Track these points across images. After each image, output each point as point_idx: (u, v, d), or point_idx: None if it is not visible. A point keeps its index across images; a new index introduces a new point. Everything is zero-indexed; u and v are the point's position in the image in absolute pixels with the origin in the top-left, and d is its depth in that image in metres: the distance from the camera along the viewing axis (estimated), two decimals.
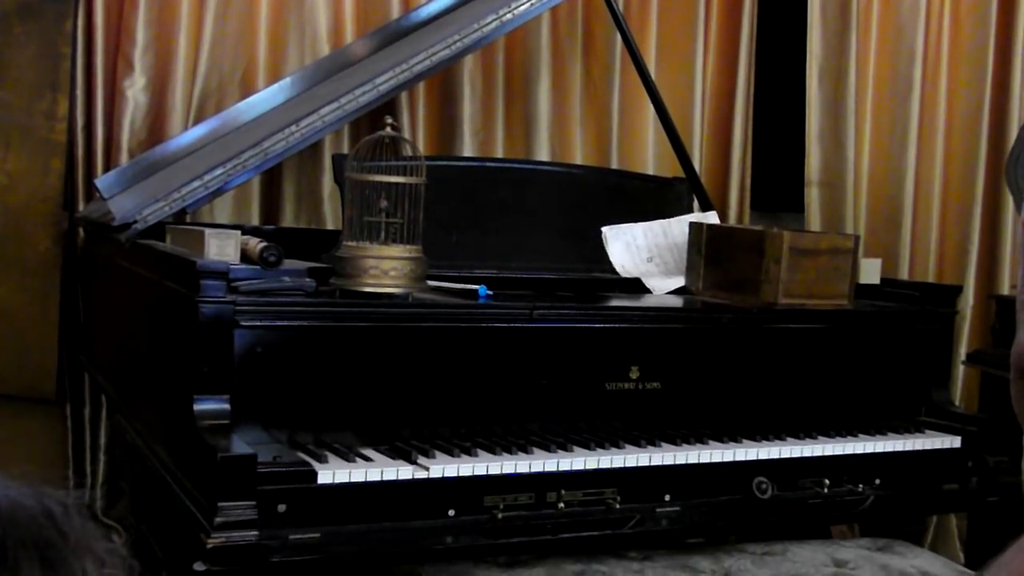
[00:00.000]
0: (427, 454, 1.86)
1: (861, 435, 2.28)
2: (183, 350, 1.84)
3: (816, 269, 2.29)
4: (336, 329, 1.90)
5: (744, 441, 2.15)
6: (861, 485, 2.18)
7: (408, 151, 2.08)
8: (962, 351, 3.19)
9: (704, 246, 2.41)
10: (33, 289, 2.81)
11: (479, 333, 2.01)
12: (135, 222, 2.09)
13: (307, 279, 1.93)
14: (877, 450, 2.23)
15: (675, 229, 2.60)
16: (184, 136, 2.56)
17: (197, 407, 1.77)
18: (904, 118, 3.29)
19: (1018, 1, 3.29)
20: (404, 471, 1.80)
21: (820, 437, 2.23)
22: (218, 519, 1.63)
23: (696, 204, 2.84)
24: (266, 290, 1.87)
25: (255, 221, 2.91)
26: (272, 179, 2.95)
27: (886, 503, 2.23)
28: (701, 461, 2.05)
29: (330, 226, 2.91)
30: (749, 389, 2.27)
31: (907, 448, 2.27)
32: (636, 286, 2.48)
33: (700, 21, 3.25)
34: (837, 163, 3.27)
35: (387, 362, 1.94)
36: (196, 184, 2.14)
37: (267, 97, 2.58)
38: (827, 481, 2.14)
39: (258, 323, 1.83)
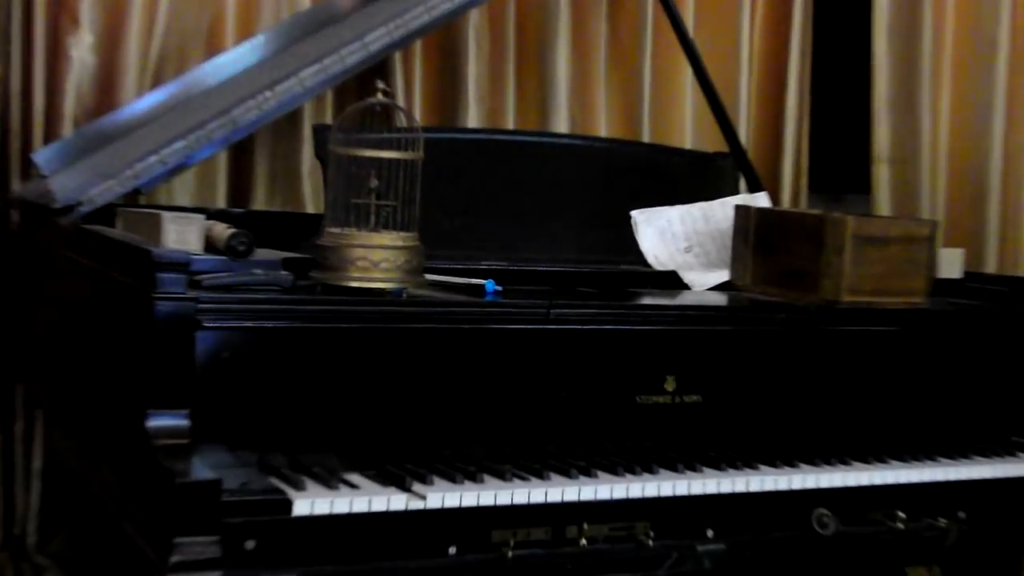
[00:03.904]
0: (424, 480, 1.84)
1: (942, 459, 2.25)
2: (135, 355, 1.82)
3: (886, 261, 2.29)
4: (317, 331, 1.88)
5: (801, 466, 2.12)
6: (943, 519, 2.16)
7: (402, 121, 2.07)
8: None
9: (752, 233, 2.40)
10: None
11: (486, 336, 1.99)
12: (79, 204, 2.10)
13: (283, 272, 1.91)
14: (962, 477, 2.21)
15: (718, 213, 2.59)
16: (139, 103, 2.55)
17: (151, 423, 1.75)
18: (989, 82, 3.25)
19: None
20: (396, 500, 1.78)
21: (892, 461, 2.20)
22: (175, 557, 1.61)
23: (743, 184, 2.83)
24: (234, 285, 1.86)
25: (221, 203, 2.91)
26: (242, 154, 2.95)
27: (973, 540, 2.21)
28: (750, 490, 2.03)
29: (310, 209, 2.92)
30: (807, 403, 2.24)
31: (997, 475, 2.25)
32: (671, 280, 2.47)
33: None
34: (910, 135, 3.25)
35: (377, 370, 1.92)
36: (152, 160, 2.16)
37: (237, 57, 2.57)
38: (902, 514, 2.12)
39: (224, 324, 1.82)
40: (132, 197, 2.41)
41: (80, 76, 2.82)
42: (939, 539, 2.17)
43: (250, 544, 1.67)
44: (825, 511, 2.06)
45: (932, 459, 2.24)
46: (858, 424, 2.29)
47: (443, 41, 3.05)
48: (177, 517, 1.63)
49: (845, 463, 2.17)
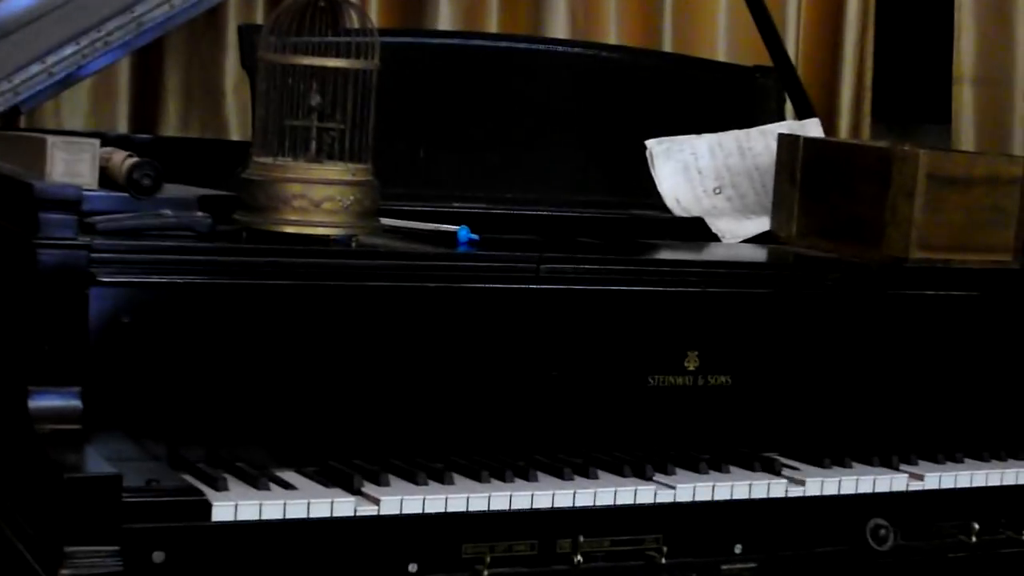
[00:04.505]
0: (377, 480, 1.85)
1: None
2: (13, 318, 1.83)
3: (967, 208, 2.29)
4: (241, 289, 1.89)
5: (855, 465, 2.14)
6: None
7: (354, 21, 2.06)
8: None
9: (800, 171, 2.41)
10: None
11: (458, 297, 2.00)
12: None
13: (198, 213, 1.91)
14: None
15: (757, 145, 2.60)
16: None
17: (33, 403, 1.75)
18: None
19: None
20: (343, 505, 1.79)
21: (968, 460, 2.23)
22: (65, 571, 1.62)
23: (789, 107, 2.83)
24: (137, 229, 1.86)
25: (122, 127, 2.91)
26: (148, 64, 2.94)
27: None
28: (790, 495, 2.04)
29: (235, 135, 2.92)
30: (863, 387, 2.27)
31: None
32: (696, 230, 2.48)
33: None
34: (1000, 51, 3.27)
35: (319, 340, 1.93)
36: (35, 69, 2.14)
37: None
38: (977, 525, 2.14)
39: (125, 278, 1.82)
40: (10, 118, 2.39)
41: None
42: (1020, 556, 2.19)
43: (158, 556, 1.68)
44: (883, 521, 2.08)
45: (1017, 457, 2.27)
46: (927, 412, 2.31)
47: None
48: (67, 521, 1.63)
49: (909, 462, 2.19)
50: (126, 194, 1.93)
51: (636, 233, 2.46)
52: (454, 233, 2.12)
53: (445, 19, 3.03)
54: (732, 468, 2.07)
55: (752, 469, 2.07)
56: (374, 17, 2.90)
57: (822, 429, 2.23)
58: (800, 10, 3.29)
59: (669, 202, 2.54)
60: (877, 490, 2.11)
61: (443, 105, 2.48)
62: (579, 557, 1.89)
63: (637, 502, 1.94)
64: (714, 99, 2.71)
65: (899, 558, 2.10)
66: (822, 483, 2.07)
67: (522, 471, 1.94)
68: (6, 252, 1.87)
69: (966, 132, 3.28)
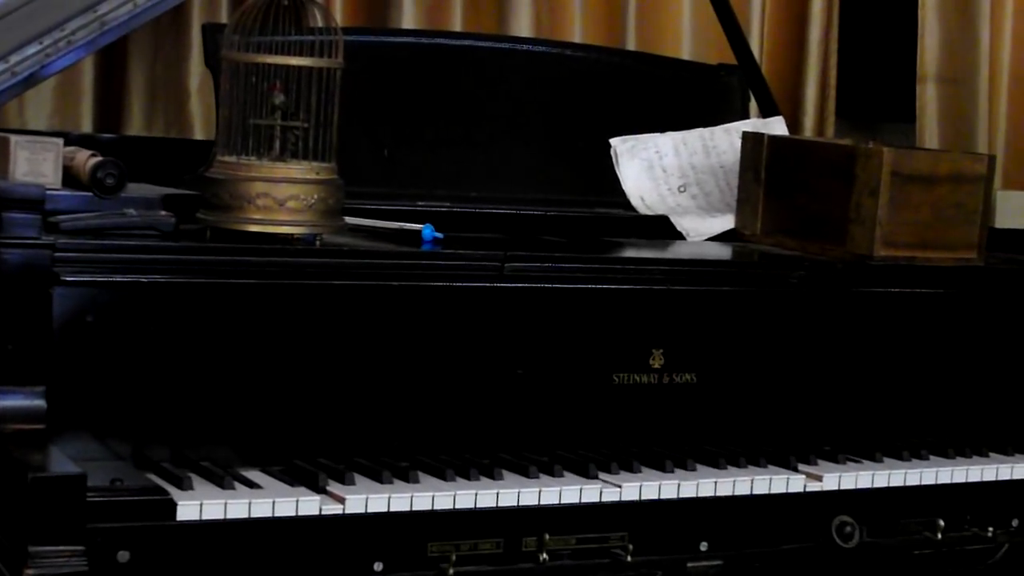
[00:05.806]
0: (342, 478, 1.86)
1: (993, 455, 2.30)
2: None
3: (932, 205, 2.30)
4: (205, 288, 1.89)
5: (820, 463, 2.16)
6: (991, 528, 2.20)
7: (318, 19, 2.06)
8: None
9: (765, 169, 2.42)
10: None
11: (422, 296, 2.01)
12: None
13: (162, 212, 1.91)
14: (1016, 476, 2.25)
15: (721, 143, 2.61)
16: None
17: None
18: None
19: None
20: (307, 503, 1.79)
21: (932, 457, 2.25)
22: (30, 571, 1.62)
23: (753, 106, 2.84)
24: (101, 228, 1.86)
25: (86, 126, 2.90)
26: (113, 63, 2.93)
27: None
28: (755, 492, 2.06)
29: (199, 134, 2.91)
30: (828, 384, 2.28)
31: None
32: (661, 228, 2.49)
33: None
34: (964, 49, 3.28)
35: (283, 338, 1.93)
36: None
37: None
38: (941, 522, 2.16)
39: (89, 278, 1.82)
40: None
41: None
42: (988, 552, 2.22)
43: (124, 556, 1.68)
44: (848, 518, 2.09)
45: (981, 454, 2.29)
46: (892, 410, 2.33)
47: None
48: (32, 521, 1.63)
49: (873, 459, 2.20)
50: (90, 193, 1.93)
51: (601, 231, 2.47)
52: (418, 232, 2.12)
53: (409, 18, 3.02)
54: (698, 466, 2.07)
55: (717, 467, 2.08)
56: (338, 16, 2.90)
57: (786, 427, 2.24)
58: (764, 8, 3.29)
59: (634, 200, 2.54)
60: (843, 488, 2.12)
61: (407, 104, 2.47)
62: (545, 555, 1.90)
63: (602, 500, 1.95)
64: (678, 97, 2.71)
65: (865, 555, 2.12)
66: (787, 481, 2.08)
67: (487, 469, 1.95)
68: None
69: (930, 130, 3.29)
